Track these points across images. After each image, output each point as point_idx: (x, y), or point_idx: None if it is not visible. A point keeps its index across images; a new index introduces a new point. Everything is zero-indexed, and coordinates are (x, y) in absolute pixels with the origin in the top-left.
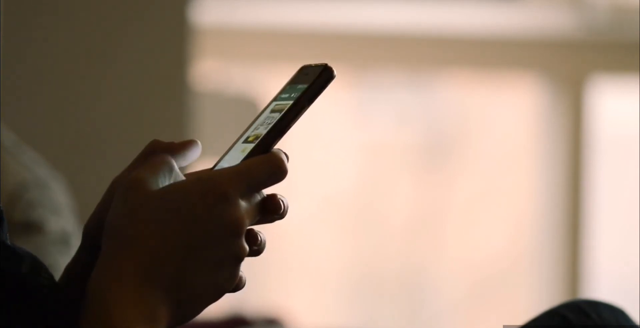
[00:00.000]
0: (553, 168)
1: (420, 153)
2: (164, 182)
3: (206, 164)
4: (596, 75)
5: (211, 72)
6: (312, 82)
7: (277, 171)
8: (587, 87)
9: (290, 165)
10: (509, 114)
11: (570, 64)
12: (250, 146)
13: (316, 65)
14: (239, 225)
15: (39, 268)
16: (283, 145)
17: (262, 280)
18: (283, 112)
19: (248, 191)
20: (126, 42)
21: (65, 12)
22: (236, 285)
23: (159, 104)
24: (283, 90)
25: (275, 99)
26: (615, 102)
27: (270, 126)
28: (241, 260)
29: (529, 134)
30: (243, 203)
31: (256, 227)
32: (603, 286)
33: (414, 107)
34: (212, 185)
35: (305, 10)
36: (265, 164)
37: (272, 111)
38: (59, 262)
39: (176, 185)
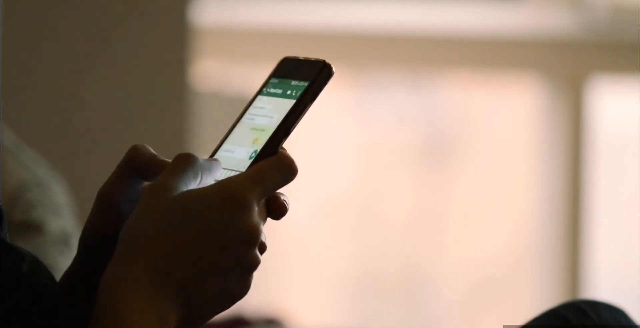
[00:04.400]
0: (553, 169)
1: (420, 153)
2: (189, 185)
3: None
4: (596, 75)
5: (211, 72)
6: (313, 80)
7: (289, 172)
8: (587, 87)
9: None
10: (509, 114)
11: (570, 64)
12: (251, 144)
13: (307, 60)
14: (254, 235)
15: (39, 268)
16: (283, 144)
17: (262, 280)
18: (287, 112)
19: (263, 195)
20: (126, 42)
21: (65, 12)
22: None
23: (159, 104)
24: (268, 84)
25: (261, 92)
26: (615, 102)
27: (275, 127)
28: (253, 269)
29: (529, 134)
30: (256, 209)
31: None
32: (603, 286)
33: (414, 107)
34: (229, 192)
35: (305, 11)
36: (277, 166)
37: (263, 107)
38: (59, 262)
39: (195, 191)
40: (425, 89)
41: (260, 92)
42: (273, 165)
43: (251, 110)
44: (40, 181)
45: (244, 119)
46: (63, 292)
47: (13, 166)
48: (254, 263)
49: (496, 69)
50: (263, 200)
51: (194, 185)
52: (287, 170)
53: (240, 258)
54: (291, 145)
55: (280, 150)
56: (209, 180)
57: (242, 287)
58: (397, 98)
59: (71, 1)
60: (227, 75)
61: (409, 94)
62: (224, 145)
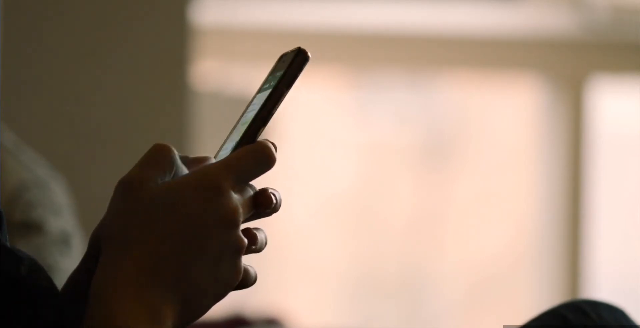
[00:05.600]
0: (553, 169)
1: (420, 153)
2: (164, 178)
3: None
4: (596, 75)
5: (211, 72)
6: (287, 66)
7: (265, 159)
8: (587, 87)
9: (290, 166)
10: (508, 114)
11: (570, 64)
12: (238, 137)
13: (291, 50)
14: (233, 217)
15: (37, 270)
16: (283, 144)
17: (262, 280)
18: (264, 101)
19: (239, 182)
20: (126, 42)
21: (65, 12)
22: (246, 280)
23: (159, 103)
24: (265, 81)
25: (259, 91)
26: (615, 102)
27: (253, 116)
28: (240, 252)
29: (529, 134)
30: (235, 195)
31: (256, 224)
32: (603, 286)
33: (414, 107)
34: (203, 179)
35: (305, 11)
36: (252, 153)
37: (255, 103)
38: (59, 262)
39: (168, 183)
40: (425, 89)
41: (258, 91)
42: (248, 152)
43: (248, 107)
44: (40, 181)
45: (241, 118)
46: (62, 294)
47: (13, 166)
48: (240, 246)
49: (496, 69)
50: (251, 192)
51: (168, 177)
52: (263, 158)
53: (224, 242)
54: (292, 146)
55: (261, 139)
56: (184, 172)
57: (233, 272)
58: (397, 98)
59: (71, 1)
60: (227, 75)
61: (409, 94)
62: (224, 145)
